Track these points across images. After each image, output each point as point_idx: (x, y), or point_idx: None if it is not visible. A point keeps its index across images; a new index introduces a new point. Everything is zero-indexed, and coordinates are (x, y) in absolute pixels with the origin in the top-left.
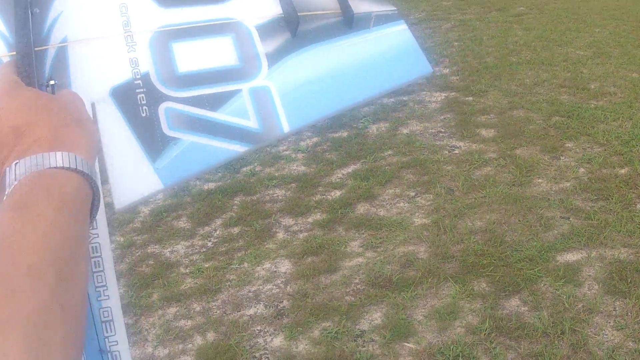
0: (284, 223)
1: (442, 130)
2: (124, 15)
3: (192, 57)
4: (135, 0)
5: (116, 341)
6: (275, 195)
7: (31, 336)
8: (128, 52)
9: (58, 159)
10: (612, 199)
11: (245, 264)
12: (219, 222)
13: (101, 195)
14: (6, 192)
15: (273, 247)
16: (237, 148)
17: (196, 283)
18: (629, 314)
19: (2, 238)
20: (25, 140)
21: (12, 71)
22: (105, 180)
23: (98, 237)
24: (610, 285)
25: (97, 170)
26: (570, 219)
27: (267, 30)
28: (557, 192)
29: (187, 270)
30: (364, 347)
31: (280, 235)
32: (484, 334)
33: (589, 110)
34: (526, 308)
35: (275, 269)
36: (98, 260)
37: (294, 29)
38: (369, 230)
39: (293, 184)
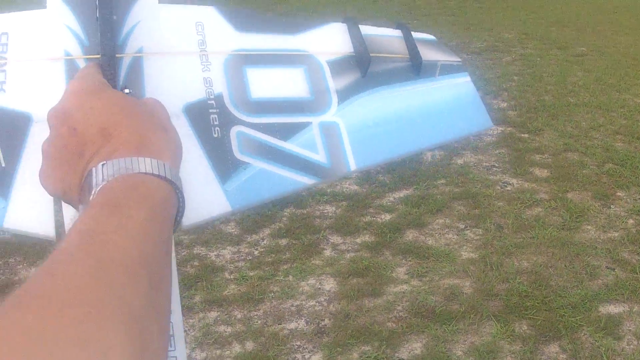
0: (332, 240)
1: (496, 164)
2: (200, 34)
3: (265, 84)
4: (211, 20)
5: (175, 357)
6: (325, 211)
7: (134, 328)
8: (202, 71)
9: (147, 164)
10: None
11: (290, 277)
12: (267, 231)
13: (185, 206)
14: (92, 192)
15: (319, 263)
16: (305, 180)
17: (239, 290)
18: None
19: (96, 234)
20: (113, 142)
21: (99, 72)
22: None
23: None
24: None
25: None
26: (616, 270)
27: (338, 66)
28: (605, 241)
29: (232, 276)
30: None
31: (328, 252)
32: None
33: None
34: (565, 356)
35: (319, 286)
36: None
37: (365, 69)
38: (416, 258)
39: (344, 202)
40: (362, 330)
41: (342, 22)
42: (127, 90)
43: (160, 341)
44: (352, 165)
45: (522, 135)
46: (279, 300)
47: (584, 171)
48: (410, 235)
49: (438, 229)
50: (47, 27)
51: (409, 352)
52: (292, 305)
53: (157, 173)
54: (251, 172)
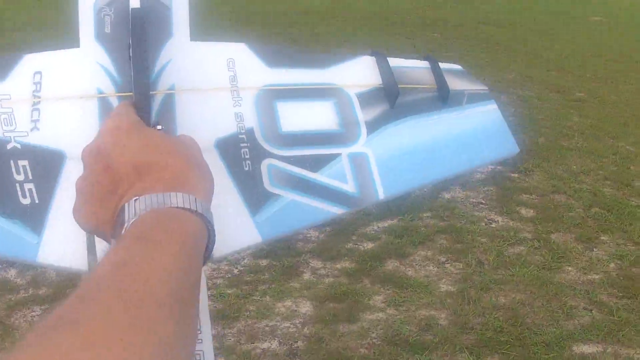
0: (312, 265)
1: (483, 201)
2: (231, 70)
3: (295, 117)
4: (242, 57)
5: None
6: (308, 235)
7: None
8: (234, 106)
9: (178, 199)
10: (637, 298)
11: (267, 298)
12: (248, 251)
13: (215, 239)
14: (125, 227)
15: (297, 286)
16: (335, 210)
17: (215, 307)
18: None
19: (128, 266)
20: (146, 179)
21: (133, 110)
22: None
23: None
24: None
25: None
26: (593, 312)
27: (366, 98)
28: (585, 283)
29: (209, 293)
30: None
31: (307, 275)
32: None
33: (630, 207)
34: None
35: (295, 308)
36: None
37: (393, 100)
38: (394, 288)
39: (328, 228)
40: (335, 355)
41: (371, 55)
42: (159, 127)
43: None
44: (381, 193)
45: (512, 174)
46: (254, 319)
47: (570, 214)
48: (390, 264)
49: (419, 260)
50: (80, 65)
51: None
52: (267, 326)
53: (189, 207)
54: (282, 204)
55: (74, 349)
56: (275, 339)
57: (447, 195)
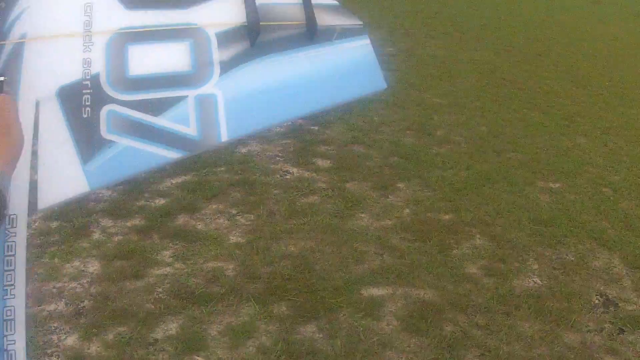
0: (103, 224)
1: (280, 154)
2: (87, 15)
3: (146, 60)
4: (101, 0)
5: (14, 340)
6: (100, 194)
7: None
8: (83, 52)
9: None
10: (430, 241)
11: (56, 260)
12: (39, 214)
13: (8, 206)
14: None
15: (86, 246)
16: (171, 155)
17: None
18: (423, 351)
19: None
20: None
21: None
22: (35, 179)
23: (15, 235)
24: (409, 323)
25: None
26: (384, 256)
27: (227, 37)
28: (377, 229)
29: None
30: (155, 355)
31: (96, 235)
32: (275, 356)
33: (429, 155)
34: (321, 335)
35: (83, 268)
36: (10, 259)
37: (254, 39)
38: (183, 242)
39: (120, 186)
40: (120, 312)
41: None
42: (2, 78)
43: None
44: (224, 135)
45: (312, 127)
46: (42, 282)
47: (367, 163)
48: (181, 220)
49: (210, 214)
50: None
51: (164, 333)
52: (54, 287)
53: None
54: (116, 151)
55: None
56: (61, 300)
57: (243, 150)
